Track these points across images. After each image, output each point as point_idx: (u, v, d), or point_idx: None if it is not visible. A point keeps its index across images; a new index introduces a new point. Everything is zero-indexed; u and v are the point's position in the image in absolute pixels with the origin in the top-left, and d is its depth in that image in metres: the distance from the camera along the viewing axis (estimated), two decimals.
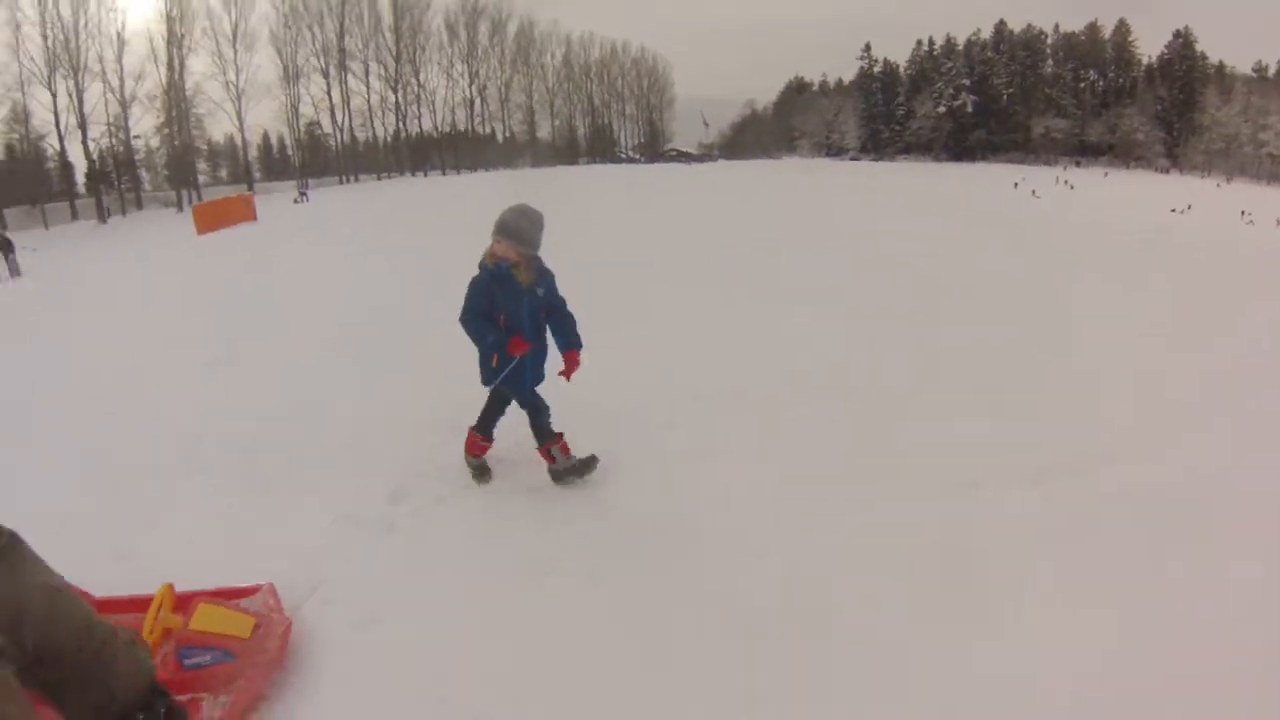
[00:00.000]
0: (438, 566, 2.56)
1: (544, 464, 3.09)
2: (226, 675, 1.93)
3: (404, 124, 59.88)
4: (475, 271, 2.89)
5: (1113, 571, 2.43)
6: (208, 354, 5.65)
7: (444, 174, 58.18)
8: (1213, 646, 2.04)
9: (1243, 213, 33.98)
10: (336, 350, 5.54)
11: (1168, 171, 58.05)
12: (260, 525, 2.84)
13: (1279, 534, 2.67)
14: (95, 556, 2.43)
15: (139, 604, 2.12)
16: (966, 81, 66.62)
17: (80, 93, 42.80)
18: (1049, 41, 68.04)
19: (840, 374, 4.58)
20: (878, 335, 5.63)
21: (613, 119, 75.51)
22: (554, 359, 3.05)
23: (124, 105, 45.06)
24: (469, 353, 3.03)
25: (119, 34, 43.87)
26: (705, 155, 71.91)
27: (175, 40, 46.75)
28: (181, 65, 47.21)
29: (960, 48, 68.97)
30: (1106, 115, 64.25)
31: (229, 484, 3.21)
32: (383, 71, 58.06)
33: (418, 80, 60.05)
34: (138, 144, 47.17)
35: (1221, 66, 59.49)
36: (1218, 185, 49.68)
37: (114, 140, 45.64)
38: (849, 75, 73.60)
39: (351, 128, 57.78)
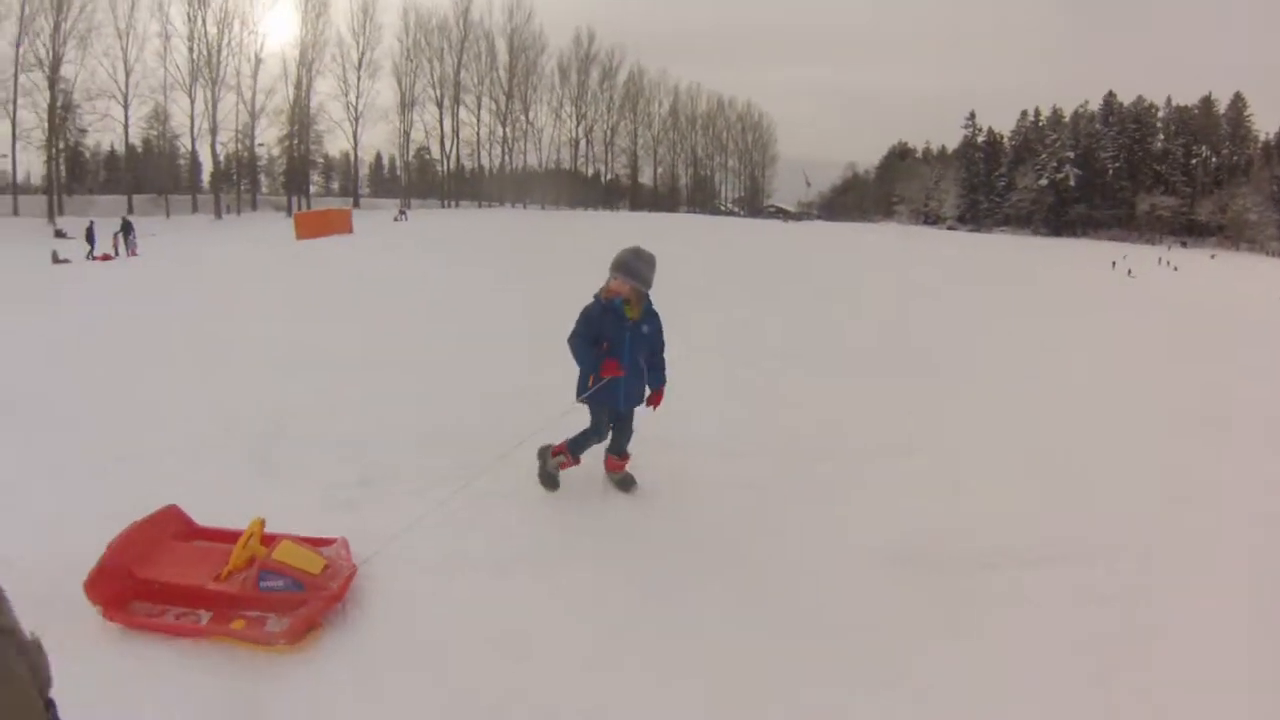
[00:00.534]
0: (491, 547, 2.79)
1: (624, 470, 3.35)
2: (292, 602, 2.21)
3: (509, 156, 63.44)
4: (588, 300, 3.13)
5: None
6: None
7: (543, 208, 60.71)
8: None
9: None
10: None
11: None
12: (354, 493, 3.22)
13: None
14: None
15: (232, 536, 2.46)
16: (1071, 154, 64.48)
17: (215, 102, 47.63)
18: (1160, 115, 65.31)
19: None
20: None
21: (715, 170, 77.48)
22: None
23: (253, 116, 49.85)
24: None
25: (256, 54, 48.92)
26: (804, 214, 73.01)
27: (306, 63, 51.66)
28: (309, 85, 52.05)
29: (1066, 119, 67.15)
30: (1218, 194, 60.92)
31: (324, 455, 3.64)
32: (494, 106, 62.00)
33: (526, 117, 63.75)
34: (260, 151, 52.35)
35: None
36: None
37: (239, 146, 50.53)
38: (952, 143, 72.98)
39: (459, 155, 61.69)
